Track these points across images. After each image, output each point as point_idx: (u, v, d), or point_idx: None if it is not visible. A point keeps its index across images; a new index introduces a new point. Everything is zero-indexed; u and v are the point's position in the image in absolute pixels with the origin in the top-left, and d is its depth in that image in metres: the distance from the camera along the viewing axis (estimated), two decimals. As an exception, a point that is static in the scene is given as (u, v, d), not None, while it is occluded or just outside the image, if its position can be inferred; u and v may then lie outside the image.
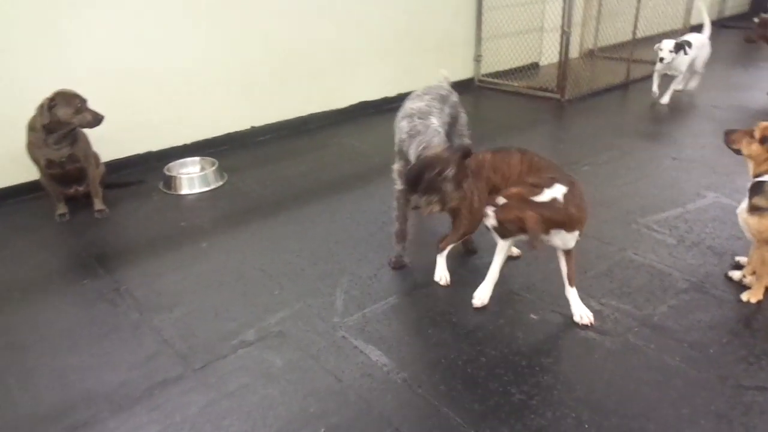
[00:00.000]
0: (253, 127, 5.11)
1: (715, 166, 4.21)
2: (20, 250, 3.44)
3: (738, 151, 2.63)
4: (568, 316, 2.65)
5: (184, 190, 4.16)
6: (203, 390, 2.33)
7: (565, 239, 2.48)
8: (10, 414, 2.25)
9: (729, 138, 2.66)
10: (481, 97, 6.42)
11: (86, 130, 3.75)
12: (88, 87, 3.75)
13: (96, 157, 3.92)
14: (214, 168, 4.31)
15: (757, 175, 2.56)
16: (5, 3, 3.77)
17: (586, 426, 2.09)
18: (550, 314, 2.69)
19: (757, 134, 2.51)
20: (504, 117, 5.69)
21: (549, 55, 6.88)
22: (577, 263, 2.98)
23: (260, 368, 2.43)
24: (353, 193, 4.03)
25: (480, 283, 2.81)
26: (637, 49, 6.61)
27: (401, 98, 3.29)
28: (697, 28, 5.98)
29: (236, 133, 5.02)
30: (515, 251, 3.13)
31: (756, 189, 2.56)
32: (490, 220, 2.44)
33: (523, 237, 2.47)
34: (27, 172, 3.88)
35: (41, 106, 3.50)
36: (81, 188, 3.86)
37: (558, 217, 2.36)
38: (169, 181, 4.21)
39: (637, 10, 6.58)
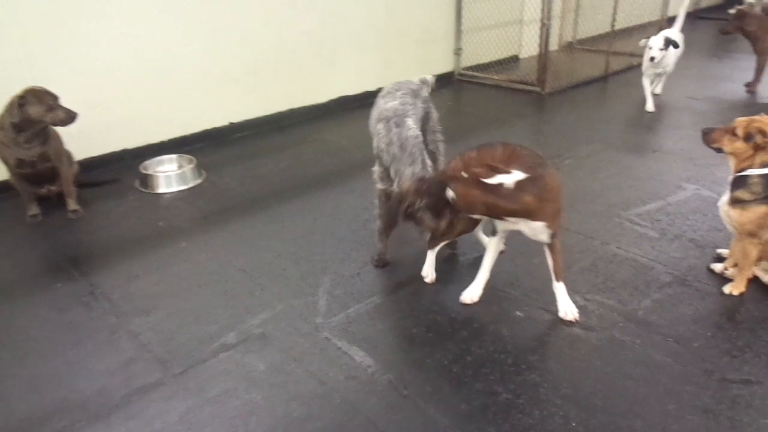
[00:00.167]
0: (231, 124, 5.03)
1: (695, 157, 4.23)
2: (-9, 254, 3.34)
3: (719, 150, 2.62)
4: (554, 313, 2.63)
5: (161, 188, 4.07)
6: (183, 396, 2.27)
7: (533, 229, 2.45)
8: (-19, 426, 2.17)
9: (709, 138, 2.64)
10: (461, 90, 6.39)
11: (59, 128, 3.64)
12: (60, 84, 3.64)
13: (69, 155, 3.81)
14: (191, 166, 4.22)
15: (739, 171, 2.56)
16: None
17: (574, 424, 2.07)
18: (536, 311, 2.67)
19: (740, 132, 2.50)
20: (485, 111, 5.67)
21: (529, 48, 6.86)
22: (562, 259, 2.98)
23: (242, 372, 2.38)
24: (335, 189, 3.98)
25: (464, 279, 2.79)
26: (616, 41, 6.63)
27: (382, 93, 3.24)
28: (669, 21, 6.02)
29: (214, 129, 4.93)
30: (500, 246, 3.10)
31: (738, 182, 2.56)
32: (449, 193, 2.44)
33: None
34: (-4, 172, 3.77)
35: (11, 104, 3.39)
36: (54, 188, 3.75)
37: (505, 203, 2.32)
38: (146, 180, 4.11)
39: (616, 1, 6.60)
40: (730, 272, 2.82)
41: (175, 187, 4.08)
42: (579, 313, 2.61)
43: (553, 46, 6.80)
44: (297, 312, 2.73)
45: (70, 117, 3.53)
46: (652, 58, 5.01)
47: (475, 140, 2.78)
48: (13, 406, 2.24)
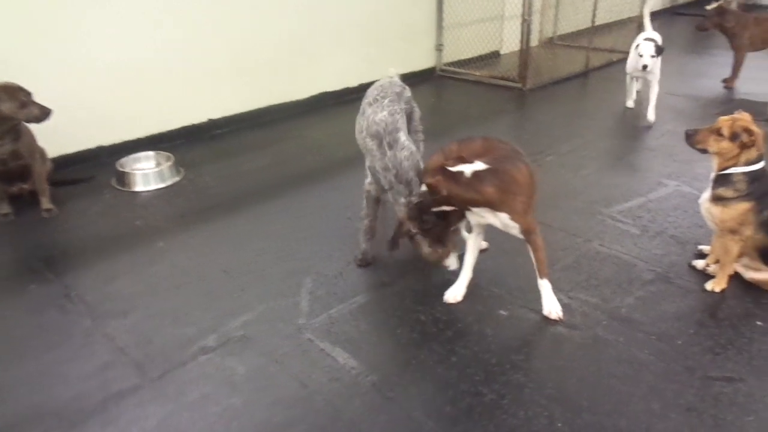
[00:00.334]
0: (210, 120, 4.94)
1: (675, 154, 4.26)
2: (-40, 255, 3.23)
3: (704, 151, 2.62)
4: (538, 311, 2.62)
5: (139, 186, 3.98)
6: (161, 401, 2.21)
7: (501, 222, 2.47)
8: (-50, 435, 2.10)
9: (693, 140, 2.63)
10: (442, 86, 6.36)
11: (32, 125, 3.53)
12: (33, 79, 3.53)
13: (42, 152, 3.71)
14: (169, 163, 4.14)
15: (722, 169, 2.57)
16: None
17: (559, 425, 2.06)
18: (520, 310, 2.66)
19: (726, 132, 2.50)
20: (466, 107, 5.65)
21: (509, 44, 6.86)
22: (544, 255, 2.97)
23: (222, 376, 2.33)
24: (316, 187, 3.93)
25: (447, 278, 2.77)
26: (596, 37, 6.65)
27: (364, 88, 3.21)
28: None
29: (193, 126, 4.84)
30: (483, 244, 3.08)
31: (721, 180, 2.57)
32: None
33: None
34: (-34, 170, 3.64)
35: (-20, 101, 3.28)
36: (26, 186, 3.66)
37: (464, 191, 2.36)
38: (122, 178, 4.02)
39: (596, -3, 6.63)
40: (711, 269, 2.83)
41: (153, 185, 3.99)
42: (563, 311, 2.60)
43: (534, 42, 6.81)
44: (279, 313, 2.68)
45: (44, 113, 3.44)
46: (644, 66, 4.72)
47: (456, 137, 2.75)
48: (-17, 415, 2.17)
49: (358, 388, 2.24)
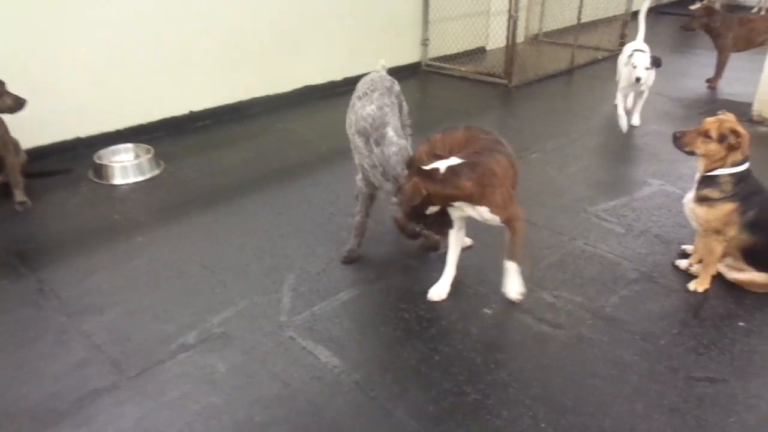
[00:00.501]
0: (191, 112, 4.85)
1: (659, 153, 4.27)
2: (-70, 248, 3.13)
3: (691, 153, 2.61)
4: (523, 310, 2.61)
5: (117, 179, 3.90)
6: (139, 400, 2.16)
7: (482, 215, 2.46)
8: None
9: (681, 142, 2.62)
10: (428, 81, 6.32)
11: (5, 116, 3.43)
12: (7, 69, 3.44)
13: (15, 144, 3.62)
14: (149, 156, 4.06)
15: (708, 170, 2.57)
16: None
17: (543, 425, 2.04)
18: (504, 308, 2.64)
19: (714, 134, 2.49)
20: (451, 102, 5.62)
21: (496, 40, 6.84)
22: (530, 255, 2.97)
23: (202, 374, 2.28)
24: (299, 182, 3.87)
25: (432, 275, 2.74)
26: (582, 34, 6.66)
27: (348, 82, 3.17)
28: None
29: (173, 118, 4.75)
30: (467, 241, 3.06)
31: (707, 182, 2.57)
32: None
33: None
34: (-63, 160, 3.54)
35: (-48, 90, 3.18)
36: (-1, 178, 3.56)
37: (440, 189, 2.35)
38: (100, 170, 3.93)
39: (582, -6, 6.63)
40: (694, 269, 2.84)
41: (132, 178, 3.91)
42: (547, 310, 2.59)
43: (520, 38, 6.79)
44: (260, 310, 2.63)
45: (18, 104, 3.37)
46: (637, 79, 4.38)
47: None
48: (-48, 414, 2.10)
49: (340, 387, 2.21)
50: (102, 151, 4.08)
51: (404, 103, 3.16)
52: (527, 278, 2.79)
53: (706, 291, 2.72)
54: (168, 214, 3.48)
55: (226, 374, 2.28)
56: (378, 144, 2.68)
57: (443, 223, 2.59)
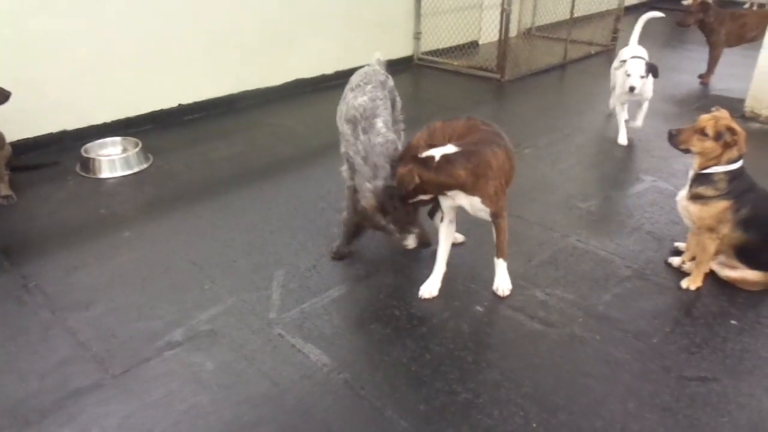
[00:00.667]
0: (180, 105, 4.79)
1: (651, 149, 4.26)
2: None
3: (687, 151, 2.58)
4: (515, 307, 2.59)
5: (104, 173, 3.84)
6: (124, 398, 2.13)
7: (472, 205, 2.45)
8: None
9: (677, 140, 2.58)
10: (420, 75, 6.28)
11: (-11, 107, 3.37)
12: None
13: (0, 136, 3.55)
14: (137, 149, 4.00)
15: (703, 168, 2.54)
16: None
17: (534, 425, 2.02)
18: (496, 305, 2.62)
19: (711, 131, 2.47)
20: (444, 97, 5.58)
21: (488, 34, 6.80)
22: (522, 251, 2.95)
23: (189, 372, 2.24)
24: (289, 176, 3.83)
25: (423, 272, 2.71)
26: (575, 28, 6.63)
27: (340, 76, 3.12)
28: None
29: (162, 111, 4.68)
30: (459, 238, 3.04)
31: (702, 179, 2.54)
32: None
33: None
34: None
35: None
36: (-17, 171, 3.50)
37: (434, 176, 2.35)
38: (87, 164, 3.87)
39: (576, -11, 6.58)
40: (687, 266, 2.82)
41: (119, 172, 3.86)
42: (539, 307, 2.57)
43: (513, 32, 6.75)
44: (249, 307, 2.60)
45: (3, 96, 3.36)
46: (631, 88, 4.04)
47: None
48: (-69, 414, 2.05)
49: (329, 386, 2.18)
50: (89, 145, 4.02)
51: (398, 99, 3.13)
52: (519, 275, 2.77)
53: (698, 289, 2.70)
54: (156, 209, 3.43)
55: (214, 373, 2.24)
56: (365, 132, 2.65)
57: (408, 220, 2.57)
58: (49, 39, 3.96)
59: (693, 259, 2.78)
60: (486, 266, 2.82)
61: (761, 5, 8.49)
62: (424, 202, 2.61)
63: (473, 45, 6.92)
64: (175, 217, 3.34)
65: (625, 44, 4.76)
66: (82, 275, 2.81)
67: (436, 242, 2.69)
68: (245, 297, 2.66)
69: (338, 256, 2.93)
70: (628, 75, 4.06)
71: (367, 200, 2.56)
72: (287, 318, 2.53)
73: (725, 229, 2.56)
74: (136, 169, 3.90)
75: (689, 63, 6.45)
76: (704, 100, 5.32)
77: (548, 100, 5.53)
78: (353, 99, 2.77)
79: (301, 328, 2.47)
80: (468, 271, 2.84)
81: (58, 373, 2.23)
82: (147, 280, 2.77)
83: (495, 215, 2.50)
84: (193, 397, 2.13)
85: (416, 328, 2.47)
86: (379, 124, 2.69)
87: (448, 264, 2.70)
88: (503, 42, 5.86)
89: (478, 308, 2.60)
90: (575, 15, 6.69)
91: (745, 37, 5.67)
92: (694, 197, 2.58)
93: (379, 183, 2.55)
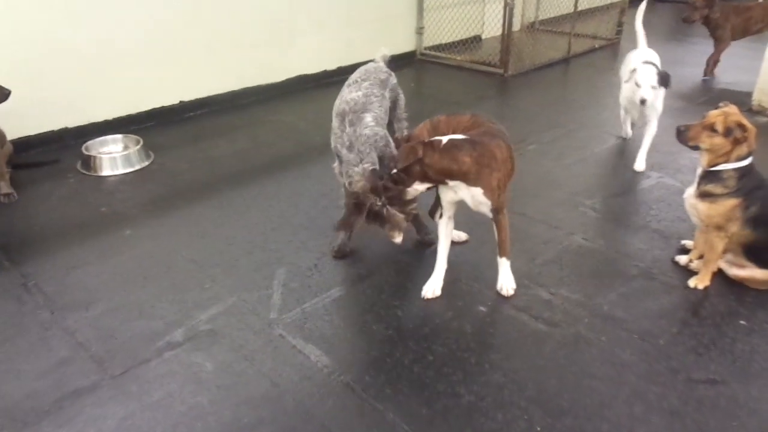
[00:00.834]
0: (181, 102, 4.76)
1: (657, 145, 4.18)
2: None
3: (696, 147, 2.53)
4: (519, 307, 2.55)
5: (105, 171, 3.82)
6: (122, 400, 2.10)
7: (474, 198, 2.41)
8: None
9: (685, 136, 2.52)
10: (422, 71, 6.23)
11: (-12, 105, 3.35)
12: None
13: (1, 134, 3.53)
14: (138, 147, 3.97)
15: (712, 165, 2.49)
16: None
17: (539, 429, 1.98)
18: (499, 305, 2.58)
19: (720, 127, 2.41)
20: (447, 92, 5.53)
21: (491, 28, 6.74)
22: (526, 250, 2.91)
23: (188, 373, 2.22)
24: (291, 174, 3.79)
25: (425, 271, 2.67)
26: (578, 22, 6.56)
27: (343, 72, 3.08)
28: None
29: (163, 108, 4.65)
30: (462, 236, 3.00)
31: (710, 177, 2.49)
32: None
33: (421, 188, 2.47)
34: None
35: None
36: (-17, 169, 3.47)
37: (438, 160, 2.31)
38: (88, 161, 3.85)
39: (580, -18, 6.52)
40: (694, 265, 2.78)
41: (120, 170, 3.83)
42: (544, 307, 2.53)
43: (516, 26, 6.70)
44: (249, 306, 2.57)
45: (3, 94, 3.34)
46: (643, 101, 3.53)
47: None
48: (-72, 416, 2.03)
49: (330, 388, 2.15)
50: (90, 142, 4.01)
51: (401, 96, 3.09)
52: (523, 274, 2.73)
53: (706, 288, 2.66)
54: (157, 207, 3.40)
55: (213, 373, 2.22)
56: (352, 124, 2.61)
57: (405, 201, 2.49)
58: (49, 37, 3.93)
59: (700, 257, 2.73)
60: (489, 265, 2.78)
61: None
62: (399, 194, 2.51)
63: (476, 39, 6.86)
64: (176, 215, 3.31)
65: (631, 44, 4.64)
66: (81, 274, 2.79)
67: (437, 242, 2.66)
68: (246, 296, 2.63)
69: (339, 254, 2.89)
70: (639, 85, 3.53)
71: (357, 183, 2.50)
72: (288, 318, 2.50)
73: (734, 227, 2.51)
74: (137, 167, 3.88)
75: (694, 56, 6.36)
76: (710, 93, 5.26)
77: (552, 95, 5.47)
78: (348, 94, 2.75)
79: (302, 328, 2.44)
80: (471, 271, 2.80)
81: (56, 374, 2.21)
82: (147, 280, 2.75)
83: (496, 210, 2.47)
84: (192, 398, 2.11)
85: (418, 329, 2.44)
86: (368, 118, 2.65)
87: (451, 263, 2.67)
88: (506, 36, 5.80)
89: (482, 308, 2.57)
90: (579, 8, 6.62)
91: (750, 30, 5.61)
92: (703, 195, 2.53)
93: (367, 165, 2.50)
